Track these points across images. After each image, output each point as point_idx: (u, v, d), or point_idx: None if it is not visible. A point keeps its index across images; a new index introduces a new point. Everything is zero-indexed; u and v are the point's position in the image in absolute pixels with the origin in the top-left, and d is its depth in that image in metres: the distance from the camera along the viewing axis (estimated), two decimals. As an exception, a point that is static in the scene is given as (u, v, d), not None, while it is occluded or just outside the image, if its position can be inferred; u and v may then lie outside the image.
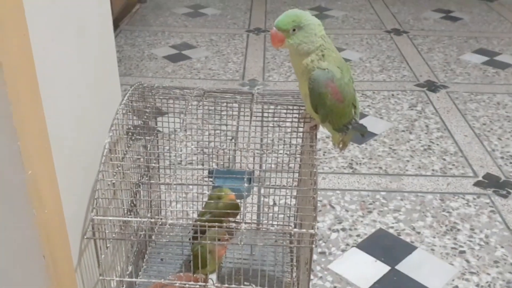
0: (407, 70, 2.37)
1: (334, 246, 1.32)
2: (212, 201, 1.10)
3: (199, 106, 1.02)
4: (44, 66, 0.73)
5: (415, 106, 2.05)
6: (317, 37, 0.88)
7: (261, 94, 1.04)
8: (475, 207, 1.47)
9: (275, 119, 1.07)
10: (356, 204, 1.48)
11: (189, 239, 1.17)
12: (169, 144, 1.20)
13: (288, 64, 2.39)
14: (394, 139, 1.81)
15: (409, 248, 1.32)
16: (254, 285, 0.92)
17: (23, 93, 0.68)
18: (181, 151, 1.04)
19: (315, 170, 0.88)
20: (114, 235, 0.94)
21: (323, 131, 1.03)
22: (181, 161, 1.60)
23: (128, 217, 1.00)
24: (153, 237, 1.24)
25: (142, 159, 1.09)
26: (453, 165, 1.67)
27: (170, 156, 1.25)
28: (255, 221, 1.26)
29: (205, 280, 1.03)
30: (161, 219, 1.20)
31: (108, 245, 0.92)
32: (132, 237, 1.09)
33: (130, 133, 1.03)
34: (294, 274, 1.15)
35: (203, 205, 1.15)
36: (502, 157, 1.71)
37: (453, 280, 1.23)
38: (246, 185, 0.88)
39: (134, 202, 1.06)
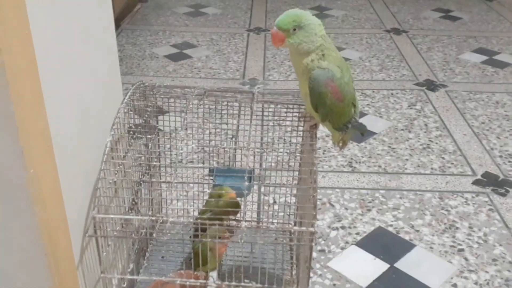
0: (406, 69, 2.37)
1: (333, 244, 1.33)
2: (212, 199, 1.11)
3: (200, 105, 1.03)
4: (46, 65, 0.73)
5: (414, 105, 2.05)
6: (317, 37, 0.88)
7: (262, 93, 1.05)
8: (473, 206, 1.48)
9: (275, 118, 1.08)
10: (355, 202, 1.48)
11: (190, 237, 1.17)
12: (170, 142, 1.20)
13: (288, 63, 2.39)
14: (393, 138, 1.82)
15: (408, 246, 1.33)
16: (254, 283, 0.92)
17: (25, 93, 0.68)
18: (182, 149, 1.05)
19: (315, 168, 0.89)
20: (115, 233, 0.95)
21: (323, 130, 1.04)
22: (182, 159, 1.61)
23: (129, 215, 1.01)
24: (154, 235, 1.24)
25: (143, 158, 1.10)
26: (452, 163, 1.67)
27: (171, 155, 1.26)
28: (255, 219, 1.27)
29: (206, 278, 1.04)
30: (162, 217, 1.20)
31: (109, 243, 0.93)
32: (133, 235, 1.10)
33: (131, 132, 1.04)
34: (294, 272, 1.16)
35: (204, 203, 1.16)
36: (500, 156, 1.71)
37: (451, 278, 1.23)
38: (246, 183, 0.89)
39: (135, 200, 1.06)
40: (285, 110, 1.07)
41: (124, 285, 0.99)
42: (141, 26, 2.87)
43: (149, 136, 1.10)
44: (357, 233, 1.37)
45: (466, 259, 1.29)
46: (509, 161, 1.69)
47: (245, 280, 1.08)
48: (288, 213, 1.28)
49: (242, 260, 1.18)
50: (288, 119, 1.08)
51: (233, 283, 0.94)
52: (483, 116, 1.97)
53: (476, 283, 1.22)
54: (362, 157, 1.70)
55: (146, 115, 1.08)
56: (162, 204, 1.28)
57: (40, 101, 0.72)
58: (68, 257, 0.84)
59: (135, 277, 1.07)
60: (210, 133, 1.17)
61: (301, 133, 1.08)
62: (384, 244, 1.33)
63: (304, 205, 0.89)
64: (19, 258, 0.77)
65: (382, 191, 1.54)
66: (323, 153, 1.72)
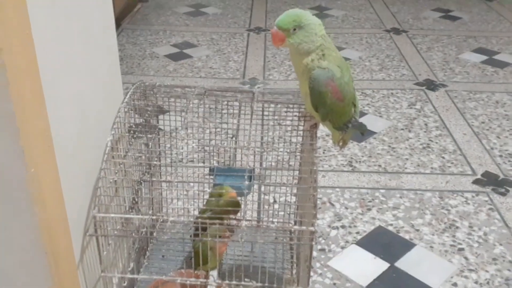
0: (406, 69, 2.37)
1: (333, 243, 1.33)
2: (213, 199, 1.11)
3: (200, 105, 1.03)
4: (47, 65, 0.73)
5: (414, 104, 2.06)
6: (317, 37, 0.88)
7: (262, 92, 1.05)
8: (473, 205, 1.48)
9: (276, 117, 1.08)
10: (355, 202, 1.49)
11: (190, 236, 1.17)
12: (170, 142, 1.20)
13: (289, 63, 2.40)
14: (393, 137, 1.82)
15: (408, 245, 1.33)
16: (254, 282, 0.92)
17: (25, 93, 0.68)
18: (182, 149, 1.05)
19: (315, 168, 0.89)
20: (116, 232, 0.95)
21: (323, 130, 1.04)
22: (182, 159, 1.61)
23: (130, 214, 1.01)
24: (154, 234, 1.25)
25: (143, 157, 1.10)
26: (452, 163, 1.67)
27: (171, 154, 1.26)
28: (255, 219, 1.27)
29: (206, 277, 1.04)
30: (163, 216, 1.21)
31: (110, 242, 0.93)
32: (133, 234, 1.10)
33: (132, 131, 1.04)
34: (294, 271, 1.16)
35: (204, 203, 1.16)
36: (500, 155, 1.71)
37: (451, 277, 1.24)
38: (246, 182, 0.89)
39: (136, 200, 1.06)
40: (285, 109, 1.07)
41: (125, 284, 0.99)
42: (141, 26, 2.87)
43: (149, 136, 1.11)
44: (357, 232, 1.37)
45: (466, 258, 1.29)
46: (509, 161, 1.69)
47: (246, 279, 1.09)
48: (288, 212, 1.28)
49: (243, 259, 1.18)
50: (288, 118, 1.08)
51: (234, 282, 0.94)
52: (483, 115, 1.97)
53: (476, 282, 1.22)
54: (362, 156, 1.70)
55: (147, 115, 1.08)
56: (163, 203, 1.28)
57: (41, 101, 0.72)
58: (69, 257, 0.84)
59: (135, 276, 1.07)
60: (210, 132, 1.17)
61: (301, 132, 1.08)
62: (384, 243, 1.34)
63: (304, 204, 0.89)
64: (19, 258, 0.77)
65: (382, 191, 1.54)
66: (323, 153, 1.72)
